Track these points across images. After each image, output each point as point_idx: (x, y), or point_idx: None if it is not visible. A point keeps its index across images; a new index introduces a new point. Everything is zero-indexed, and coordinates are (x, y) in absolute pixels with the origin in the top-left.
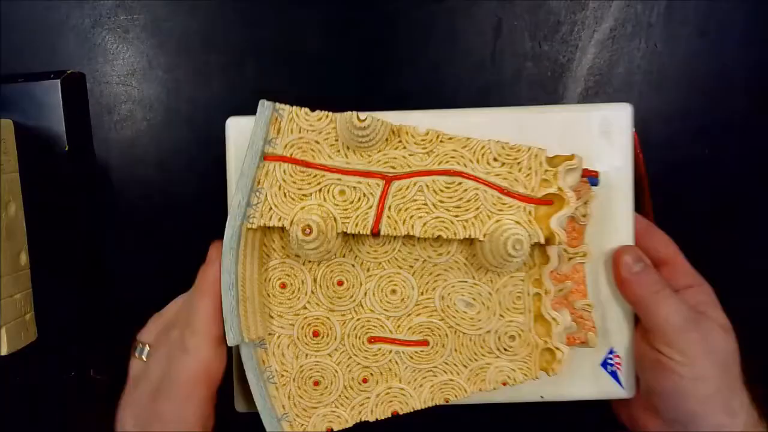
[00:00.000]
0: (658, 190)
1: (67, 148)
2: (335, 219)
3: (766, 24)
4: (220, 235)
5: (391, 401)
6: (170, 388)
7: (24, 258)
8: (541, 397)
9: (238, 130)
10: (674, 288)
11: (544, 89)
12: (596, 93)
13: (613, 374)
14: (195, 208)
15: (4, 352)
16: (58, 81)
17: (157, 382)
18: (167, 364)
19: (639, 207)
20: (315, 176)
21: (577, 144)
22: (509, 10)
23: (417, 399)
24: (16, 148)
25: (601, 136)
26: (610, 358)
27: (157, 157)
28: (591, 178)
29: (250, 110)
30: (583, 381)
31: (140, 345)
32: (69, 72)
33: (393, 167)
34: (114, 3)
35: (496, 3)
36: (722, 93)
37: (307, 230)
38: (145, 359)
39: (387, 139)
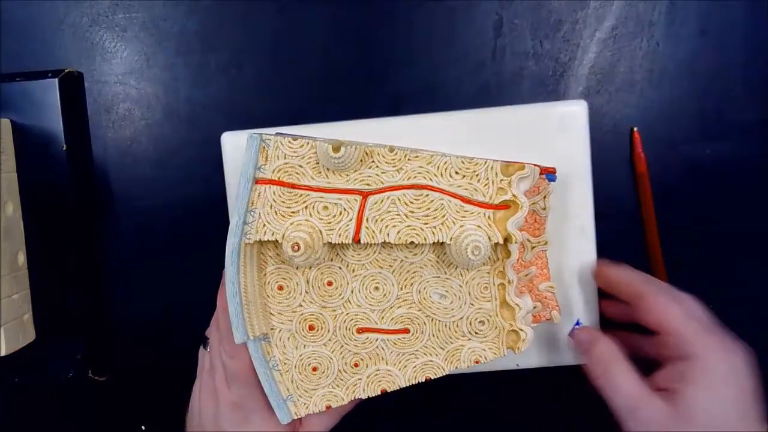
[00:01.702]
0: (658, 190)
1: (64, 147)
2: (321, 231)
3: (766, 24)
4: (219, 233)
5: (379, 381)
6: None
7: (22, 258)
8: (517, 365)
9: (233, 143)
10: (663, 357)
11: (546, 88)
12: (598, 92)
13: None
14: (193, 208)
15: (3, 352)
16: (56, 80)
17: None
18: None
19: (640, 205)
20: (301, 195)
21: (539, 140)
22: (510, 9)
23: (402, 378)
24: (13, 147)
25: (559, 131)
26: (577, 329)
27: (155, 156)
28: (549, 175)
29: (249, 110)
30: (553, 350)
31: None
32: (67, 71)
33: (368, 184)
34: (112, 2)
35: (497, 2)
36: (722, 93)
37: (296, 247)
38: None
39: (361, 160)
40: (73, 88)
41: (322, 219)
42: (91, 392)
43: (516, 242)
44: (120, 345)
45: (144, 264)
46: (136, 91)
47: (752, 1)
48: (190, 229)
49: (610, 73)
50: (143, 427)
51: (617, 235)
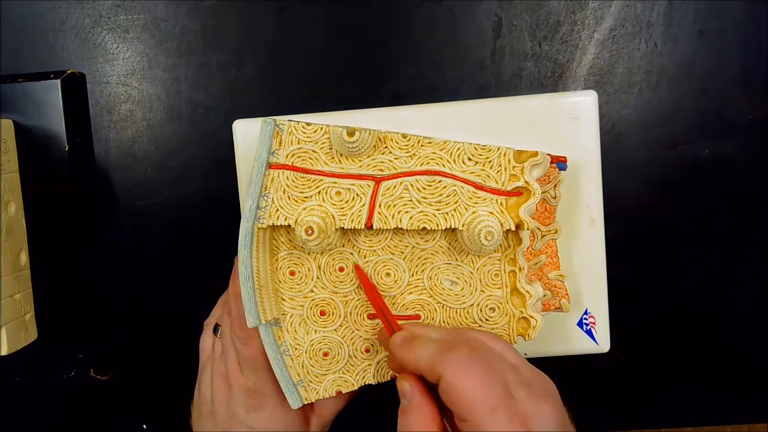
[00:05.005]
0: (658, 190)
1: (67, 148)
2: (333, 217)
3: (766, 24)
4: (220, 233)
5: (389, 368)
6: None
7: (24, 258)
8: (525, 354)
9: (244, 131)
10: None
11: (544, 89)
12: (596, 93)
13: (588, 332)
14: (194, 208)
15: (4, 352)
16: (58, 81)
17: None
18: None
19: None
20: (314, 180)
21: (549, 131)
22: (509, 10)
23: None
24: (16, 147)
25: (570, 121)
26: (585, 318)
27: (157, 156)
28: (560, 163)
29: (251, 110)
30: (562, 339)
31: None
32: (69, 72)
33: (381, 170)
34: (114, 3)
35: (496, 3)
36: (722, 93)
37: (309, 231)
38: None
39: (375, 146)
40: (75, 89)
41: (334, 204)
42: (93, 391)
43: (528, 229)
44: (121, 344)
45: (145, 263)
46: (138, 92)
47: (750, 1)
48: (191, 230)
49: (609, 74)
50: (144, 426)
51: (617, 233)
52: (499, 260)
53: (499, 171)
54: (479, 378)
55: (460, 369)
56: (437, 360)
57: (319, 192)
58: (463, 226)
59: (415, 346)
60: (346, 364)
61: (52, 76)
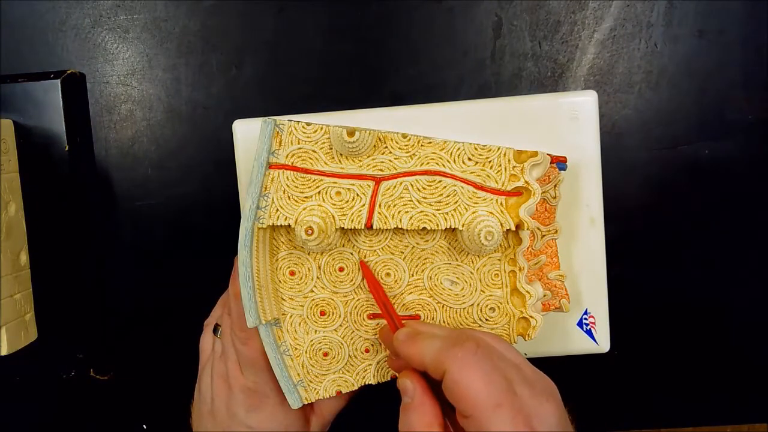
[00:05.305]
0: (658, 190)
1: (66, 148)
2: (333, 217)
3: (766, 24)
4: (220, 233)
5: (389, 367)
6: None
7: (24, 258)
8: (525, 354)
9: (244, 131)
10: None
11: (544, 89)
12: (596, 93)
13: (588, 332)
14: (194, 208)
15: (4, 352)
16: (58, 81)
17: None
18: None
19: None
20: (314, 180)
21: (549, 131)
22: (509, 10)
23: None
24: (16, 147)
25: (570, 121)
26: (585, 318)
27: (157, 156)
28: (560, 163)
29: (250, 110)
30: (562, 339)
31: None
32: (69, 72)
33: (381, 170)
34: (114, 3)
35: (496, 3)
36: (722, 93)
37: (309, 231)
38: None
39: (375, 146)
40: (75, 89)
41: (334, 204)
42: (93, 391)
43: (528, 229)
44: (121, 344)
45: (145, 263)
46: (138, 92)
47: (750, 1)
48: (190, 230)
49: (609, 74)
50: (144, 426)
51: (617, 233)
52: (499, 260)
53: (499, 171)
54: (484, 374)
55: (466, 365)
56: (443, 355)
57: (319, 192)
58: (463, 226)
59: (420, 341)
60: (346, 364)
61: (52, 76)
